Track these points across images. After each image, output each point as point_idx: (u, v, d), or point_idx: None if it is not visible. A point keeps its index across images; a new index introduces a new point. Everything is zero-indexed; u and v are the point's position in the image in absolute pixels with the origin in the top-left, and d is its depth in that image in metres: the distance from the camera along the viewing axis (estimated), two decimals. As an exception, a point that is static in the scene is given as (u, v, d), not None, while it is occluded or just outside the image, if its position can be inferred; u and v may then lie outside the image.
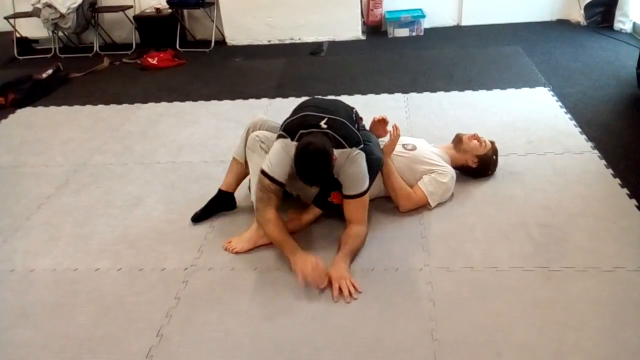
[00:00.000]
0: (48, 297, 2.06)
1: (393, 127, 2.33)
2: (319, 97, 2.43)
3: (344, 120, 2.15)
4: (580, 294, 1.87)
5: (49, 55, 5.25)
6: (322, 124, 2.10)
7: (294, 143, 2.07)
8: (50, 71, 4.40)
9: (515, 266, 2.02)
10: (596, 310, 1.80)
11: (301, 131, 2.09)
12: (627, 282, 1.91)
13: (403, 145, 2.42)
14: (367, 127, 2.46)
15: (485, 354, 1.68)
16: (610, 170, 2.57)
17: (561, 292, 1.89)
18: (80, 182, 2.89)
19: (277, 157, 2.10)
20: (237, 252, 2.21)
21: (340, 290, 1.94)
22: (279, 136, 2.16)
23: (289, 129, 2.14)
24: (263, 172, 2.10)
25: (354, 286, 1.96)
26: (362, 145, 2.14)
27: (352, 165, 2.09)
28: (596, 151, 2.75)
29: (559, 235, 2.17)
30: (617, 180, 2.49)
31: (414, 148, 2.43)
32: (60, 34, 5.36)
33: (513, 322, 1.78)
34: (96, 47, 5.32)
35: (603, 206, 2.33)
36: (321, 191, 2.26)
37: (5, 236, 2.46)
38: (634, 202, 2.33)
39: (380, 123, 2.44)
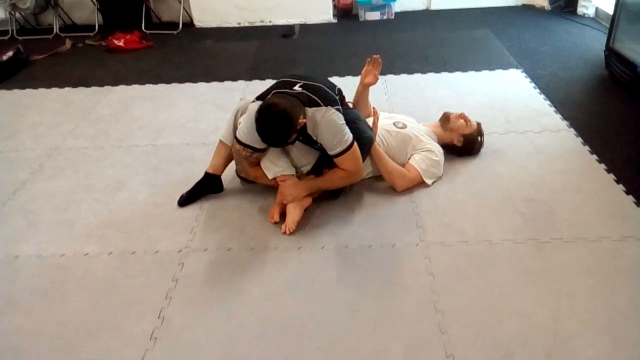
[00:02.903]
0: (36, 283, 1.99)
1: (373, 109, 2.36)
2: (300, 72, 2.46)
3: (322, 86, 2.16)
4: (571, 263, 1.95)
5: (5, 38, 4.98)
6: (297, 87, 2.11)
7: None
8: (10, 53, 4.17)
9: (507, 239, 2.09)
10: (587, 278, 1.88)
11: (274, 91, 2.10)
12: (613, 250, 2.00)
13: (394, 123, 2.45)
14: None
15: (487, 322, 1.73)
16: (587, 147, 2.67)
17: (552, 262, 1.96)
18: (55, 167, 2.78)
19: (245, 122, 2.13)
20: (297, 222, 2.18)
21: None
22: (253, 101, 2.18)
23: (261, 96, 2.16)
24: (235, 137, 2.16)
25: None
26: (338, 107, 2.14)
27: (326, 122, 2.07)
28: (572, 129, 2.85)
29: (545, 209, 2.25)
30: (594, 157, 2.59)
31: (404, 126, 2.46)
32: (18, 15, 5.09)
33: (510, 291, 1.84)
34: (56, 29, 5.08)
35: (583, 181, 2.42)
36: (313, 168, 2.26)
37: (-19, 223, 2.35)
38: (612, 176, 2.43)
39: (374, 66, 2.51)
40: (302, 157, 2.25)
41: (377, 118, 2.39)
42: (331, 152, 2.14)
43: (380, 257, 2.04)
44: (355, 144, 2.14)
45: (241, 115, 2.30)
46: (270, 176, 2.21)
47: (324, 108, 2.07)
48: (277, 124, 1.98)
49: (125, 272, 2.02)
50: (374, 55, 2.53)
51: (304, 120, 2.04)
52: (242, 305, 1.84)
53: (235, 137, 2.18)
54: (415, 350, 1.65)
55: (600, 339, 1.65)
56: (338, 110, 2.12)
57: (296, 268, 2.00)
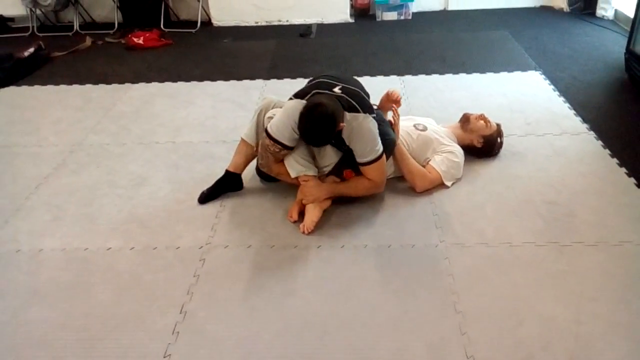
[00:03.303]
0: (61, 276, 2.02)
1: (393, 110, 2.36)
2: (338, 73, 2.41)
3: (360, 91, 2.17)
4: (592, 267, 1.95)
5: (26, 34, 5.05)
6: (336, 89, 2.11)
7: (304, 101, 2.08)
8: (31, 50, 4.23)
9: (528, 241, 2.09)
10: (609, 282, 1.88)
11: (314, 91, 2.10)
12: (634, 254, 2.00)
13: (414, 126, 2.45)
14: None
15: (508, 323, 1.73)
16: (608, 151, 2.66)
17: (574, 265, 1.96)
18: (78, 162, 2.82)
19: (280, 117, 2.11)
20: (316, 222, 2.18)
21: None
22: (290, 99, 2.16)
23: (301, 94, 2.14)
24: (265, 131, 2.13)
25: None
26: (375, 115, 2.15)
27: (362, 129, 2.09)
28: (592, 132, 2.84)
29: (566, 212, 2.24)
30: (615, 160, 2.58)
31: (424, 128, 2.46)
32: (38, 12, 5.16)
33: (531, 293, 1.84)
34: (76, 26, 5.14)
35: (604, 184, 2.41)
36: (334, 168, 2.27)
37: (6, 217, 2.39)
38: (632, 180, 2.42)
39: (390, 99, 2.45)
40: (327, 158, 2.25)
41: (398, 117, 2.39)
42: (360, 160, 2.15)
43: (399, 257, 2.04)
44: (384, 155, 2.17)
45: (265, 114, 2.31)
46: (293, 175, 2.21)
47: (361, 115, 2.09)
48: (323, 124, 2.00)
49: (148, 267, 2.04)
50: (393, 91, 2.43)
51: (343, 124, 2.05)
52: (263, 302, 1.86)
53: (267, 132, 2.14)
54: (436, 351, 1.65)
55: (622, 342, 1.65)
56: (374, 118, 2.13)
57: (316, 266, 2.02)
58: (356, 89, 2.17)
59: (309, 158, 2.22)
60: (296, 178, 2.22)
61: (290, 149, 2.15)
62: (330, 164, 2.26)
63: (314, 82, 2.22)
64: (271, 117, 2.24)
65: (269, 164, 2.28)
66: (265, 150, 2.19)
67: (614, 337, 1.67)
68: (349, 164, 2.23)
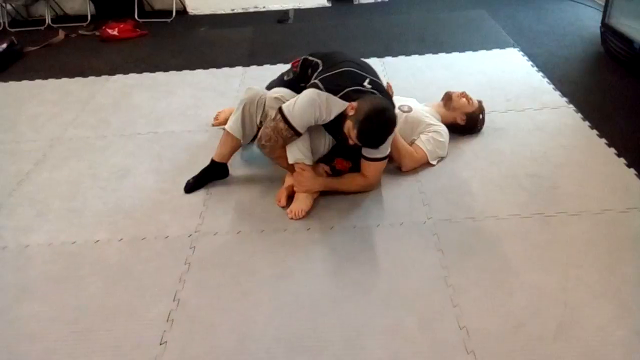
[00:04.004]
0: (50, 270, 2.00)
1: (387, 85, 2.35)
2: (346, 53, 2.34)
3: (381, 83, 2.17)
4: (577, 236, 1.99)
5: (-3, 30, 4.94)
6: (366, 84, 2.09)
7: (335, 99, 2.04)
8: (4, 45, 4.14)
9: (513, 214, 2.12)
10: (594, 249, 1.92)
11: (348, 89, 2.06)
12: (617, 222, 2.04)
13: (399, 107, 2.46)
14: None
15: (498, 294, 1.76)
16: (587, 123, 2.70)
17: (559, 234, 2.00)
18: (58, 157, 2.77)
19: (303, 105, 2.03)
20: (306, 212, 2.18)
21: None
22: (313, 85, 2.09)
23: (327, 81, 2.09)
24: (282, 115, 2.04)
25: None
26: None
27: None
28: (571, 105, 2.88)
29: (549, 184, 2.28)
30: (595, 132, 2.62)
31: (409, 110, 2.47)
32: (9, 7, 5.04)
33: (519, 264, 1.88)
34: (48, 20, 5.02)
35: (585, 155, 2.46)
36: (325, 156, 2.27)
37: (-11, 214, 2.35)
38: (612, 150, 2.47)
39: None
40: (321, 147, 2.23)
41: (393, 93, 2.36)
42: (367, 155, 2.16)
43: (389, 235, 2.06)
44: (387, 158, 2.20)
45: (249, 108, 2.27)
46: (291, 160, 2.16)
47: None
48: (388, 129, 2.02)
49: (138, 258, 2.03)
50: (388, 83, 2.42)
51: (352, 110, 2.01)
52: (255, 286, 1.87)
53: (283, 116, 2.05)
54: (429, 324, 1.68)
55: (608, 306, 1.69)
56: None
57: (307, 248, 2.03)
58: (379, 80, 2.17)
59: (309, 146, 2.17)
60: (292, 165, 2.20)
61: (299, 135, 2.10)
62: (322, 153, 2.25)
63: (341, 70, 2.14)
64: (279, 99, 2.18)
65: (274, 146, 2.15)
66: (277, 134, 2.09)
67: (600, 302, 1.71)
68: (340, 152, 2.23)
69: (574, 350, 1.56)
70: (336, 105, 2.04)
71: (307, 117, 2.04)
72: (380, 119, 1.97)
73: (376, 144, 2.07)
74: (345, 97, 2.05)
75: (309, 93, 2.06)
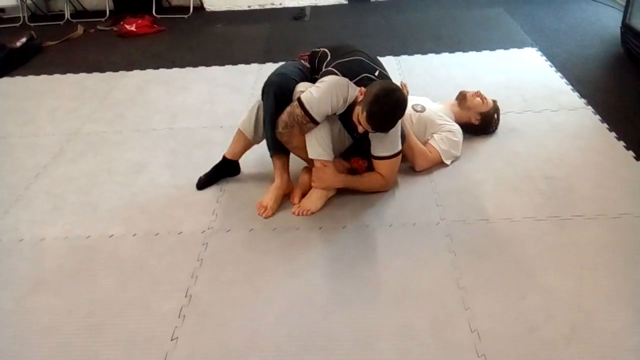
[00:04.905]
0: (65, 264, 2.03)
1: (402, 85, 2.34)
2: (352, 44, 2.34)
3: (390, 78, 2.16)
4: (593, 240, 1.96)
5: (17, 25, 5.00)
6: (377, 74, 2.08)
7: (353, 85, 2.03)
8: (24, 40, 4.19)
9: (528, 216, 2.10)
10: (609, 254, 1.89)
11: (363, 75, 2.05)
12: (634, 227, 2.01)
13: (412, 107, 2.44)
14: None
15: (511, 297, 1.75)
16: (605, 125, 2.66)
17: (574, 238, 1.97)
18: (75, 151, 2.81)
19: (324, 92, 2.00)
20: (312, 213, 2.19)
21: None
22: (329, 72, 2.06)
23: (342, 66, 2.07)
24: (299, 101, 2.02)
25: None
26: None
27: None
28: (590, 107, 2.83)
29: (565, 186, 2.25)
30: (613, 134, 2.58)
31: (423, 109, 2.46)
32: (29, 1, 5.10)
33: (533, 267, 1.86)
34: (67, 15, 5.09)
35: (602, 158, 2.42)
36: (343, 153, 2.26)
37: (6, 207, 2.39)
38: (631, 153, 2.43)
39: None
40: (338, 144, 2.22)
41: (408, 93, 2.34)
42: (376, 154, 2.14)
43: (401, 235, 2.05)
44: (401, 154, 2.17)
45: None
46: (312, 156, 2.14)
47: None
48: (399, 109, 1.98)
49: (151, 253, 2.05)
50: (402, 82, 2.42)
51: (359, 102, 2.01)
52: (267, 283, 1.87)
53: (300, 102, 2.02)
54: (440, 326, 1.67)
55: (623, 312, 1.67)
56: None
57: (319, 247, 2.03)
58: (387, 74, 2.15)
59: (330, 142, 2.13)
60: (312, 160, 2.17)
61: (317, 124, 2.06)
62: (338, 150, 2.24)
63: (353, 58, 2.13)
64: (302, 91, 2.13)
65: (291, 134, 2.12)
66: (294, 120, 2.05)
67: (615, 308, 1.68)
68: (357, 151, 2.22)
69: (587, 356, 1.54)
70: (354, 91, 2.03)
71: (325, 103, 1.99)
72: (389, 99, 1.92)
73: (386, 126, 2.00)
74: (360, 83, 2.04)
75: (327, 80, 2.03)
